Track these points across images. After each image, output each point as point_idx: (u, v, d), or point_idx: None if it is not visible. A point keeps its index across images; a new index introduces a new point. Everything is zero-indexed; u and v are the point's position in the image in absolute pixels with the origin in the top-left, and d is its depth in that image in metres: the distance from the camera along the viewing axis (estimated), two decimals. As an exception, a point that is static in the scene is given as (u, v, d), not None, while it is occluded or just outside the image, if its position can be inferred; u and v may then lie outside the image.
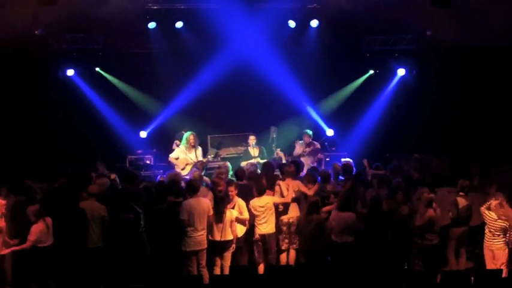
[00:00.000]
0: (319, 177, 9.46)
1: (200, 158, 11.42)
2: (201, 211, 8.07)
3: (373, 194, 8.77)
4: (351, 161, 11.38)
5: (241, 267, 8.22)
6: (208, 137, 12.96)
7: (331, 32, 12.99)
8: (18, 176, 9.87)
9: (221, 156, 12.35)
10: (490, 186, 8.77)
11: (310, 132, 12.42)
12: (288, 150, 12.62)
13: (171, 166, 11.50)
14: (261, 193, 8.61)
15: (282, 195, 8.85)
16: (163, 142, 12.75)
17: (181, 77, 13.14)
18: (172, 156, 11.46)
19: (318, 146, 12.35)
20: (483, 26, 11.63)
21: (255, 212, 8.54)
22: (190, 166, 11.18)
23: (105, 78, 13.36)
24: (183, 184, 9.08)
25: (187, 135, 11.48)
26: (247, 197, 8.66)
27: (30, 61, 12.39)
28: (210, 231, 8.19)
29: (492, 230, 8.12)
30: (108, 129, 13.07)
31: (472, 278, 7.36)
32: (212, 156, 11.99)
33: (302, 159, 11.78)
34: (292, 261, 8.70)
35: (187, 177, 10.30)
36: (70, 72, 12.93)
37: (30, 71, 12.47)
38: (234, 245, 8.33)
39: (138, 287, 7.41)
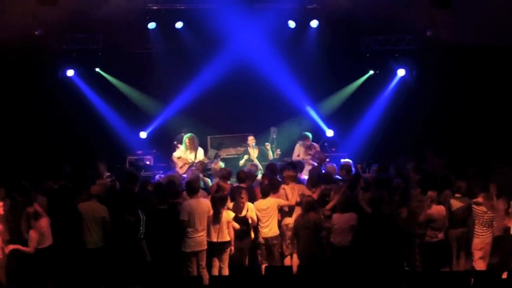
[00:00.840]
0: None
1: (200, 158, 11.43)
2: (201, 212, 8.06)
3: (374, 195, 8.76)
4: (351, 161, 11.38)
5: (242, 268, 8.21)
6: (208, 137, 12.96)
7: (331, 32, 12.98)
8: (17, 177, 9.86)
9: (221, 157, 12.34)
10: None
11: (310, 135, 12.37)
12: (288, 150, 12.62)
13: (171, 167, 11.52)
14: (265, 195, 8.60)
15: (287, 199, 8.81)
16: (163, 143, 12.75)
17: (181, 77, 13.13)
18: (175, 155, 11.55)
19: (317, 148, 12.29)
20: (483, 26, 11.63)
21: (258, 214, 8.50)
22: (188, 166, 11.20)
23: (105, 78, 13.35)
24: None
25: (185, 138, 11.52)
26: (251, 199, 8.65)
27: (30, 61, 12.41)
28: (207, 232, 8.18)
29: (482, 223, 8.32)
30: (108, 130, 13.06)
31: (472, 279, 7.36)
32: (212, 157, 11.97)
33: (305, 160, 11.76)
34: (295, 266, 8.58)
35: (185, 175, 10.32)
36: (70, 72, 12.92)
37: (30, 71, 12.48)
38: (232, 247, 8.30)
39: (136, 287, 7.41)
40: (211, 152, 12.45)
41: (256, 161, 11.62)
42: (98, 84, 13.22)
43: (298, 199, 8.76)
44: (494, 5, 10.88)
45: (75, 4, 11.05)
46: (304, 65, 13.17)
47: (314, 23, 12.74)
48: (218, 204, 8.21)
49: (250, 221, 8.37)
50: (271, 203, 8.56)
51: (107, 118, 13.18)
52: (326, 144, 12.74)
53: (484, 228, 8.40)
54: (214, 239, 8.17)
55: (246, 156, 11.83)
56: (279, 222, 8.76)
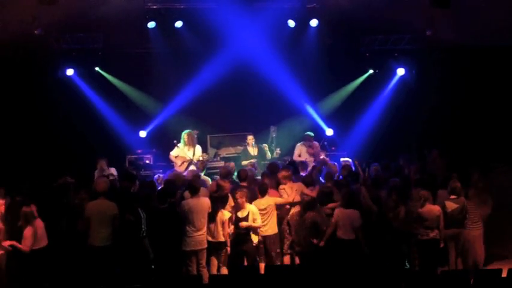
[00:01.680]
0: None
1: (199, 155, 11.42)
2: (201, 210, 8.08)
3: (373, 194, 8.78)
4: (350, 160, 11.39)
5: (241, 267, 8.22)
6: (208, 136, 12.96)
7: (330, 32, 12.99)
8: (16, 176, 9.89)
9: (221, 156, 12.36)
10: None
11: (312, 134, 12.38)
12: (288, 150, 12.63)
13: (170, 166, 11.51)
14: (263, 194, 8.60)
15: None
16: (163, 142, 12.74)
17: (180, 77, 13.13)
18: (172, 154, 11.53)
19: (318, 147, 12.28)
20: (482, 26, 11.63)
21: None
22: (187, 163, 11.20)
23: (105, 77, 13.35)
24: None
25: (183, 134, 11.51)
26: (251, 199, 8.64)
27: (30, 61, 12.41)
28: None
29: (473, 219, 8.55)
30: (107, 129, 13.06)
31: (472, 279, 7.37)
32: (211, 154, 11.95)
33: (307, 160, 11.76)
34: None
35: (185, 173, 10.33)
36: (70, 71, 12.92)
37: (30, 70, 12.48)
38: (228, 248, 8.29)
39: (137, 287, 7.41)
40: (211, 151, 12.47)
41: (255, 161, 11.62)
42: (97, 83, 13.22)
43: (298, 197, 8.77)
44: (494, 5, 10.88)
45: (75, 4, 11.04)
46: (304, 64, 13.18)
47: (314, 23, 12.73)
48: (216, 203, 8.23)
49: (252, 224, 8.30)
50: (269, 202, 8.58)
51: (107, 117, 13.18)
52: (326, 143, 12.76)
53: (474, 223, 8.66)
54: (209, 239, 8.19)
55: (252, 153, 11.83)
56: (280, 221, 8.77)
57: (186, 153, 11.41)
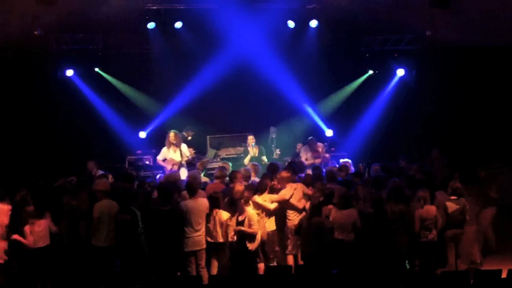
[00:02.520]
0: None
1: (187, 155, 11.39)
2: (199, 211, 8.07)
3: (375, 194, 8.76)
4: (350, 161, 11.39)
5: (241, 268, 8.21)
6: (208, 137, 12.96)
7: (330, 32, 12.97)
8: (16, 177, 9.88)
9: (220, 157, 12.35)
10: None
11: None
12: (288, 150, 12.63)
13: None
14: (262, 191, 8.59)
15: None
16: (163, 142, 12.68)
17: (180, 77, 13.14)
18: (159, 158, 11.42)
19: (323, 148, 12.22)
20: (482, 26, 11.62)
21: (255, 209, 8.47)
22: (177, 166, 11.16)
23: (105, 78, 13.36)
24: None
25: (170, 133, 11.39)
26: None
27: (30, 61, 12.40)
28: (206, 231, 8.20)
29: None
30: (107, 130, 13.07)
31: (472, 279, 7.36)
32: (194, 154, 11.89)
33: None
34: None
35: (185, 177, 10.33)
36: (69, 72, 12.93)
37: (30, 71, 12.48)
38: (227, 250, 8.24)
39: (136, 287, 7.40)
40: (211, 152, 12.46)
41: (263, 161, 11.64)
42: (97, 84, 13.23)
43: (303, 200, 8.74)
44: (494, 5, 10.87)
45: (74, 4, 11.03)
46: (304, 64, 13.19)
47: (313, 23, 12.72)
48: (211, 204, 8.23)
49: (247, 230, 8.21)
50: (265, 199, 8.58)
51: (107, 118, 13.20)
52: (326, 144, 12.74)
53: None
54: (209, 239, 8.18)
55: (249, 155, 11.82)
56: (282, 223, 8.77)
57: (172, 155, 11.32)
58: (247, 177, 9.36)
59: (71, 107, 12.85)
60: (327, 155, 12.10)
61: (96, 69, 13.28)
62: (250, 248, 8.14)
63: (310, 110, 13.92)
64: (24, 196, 8.28)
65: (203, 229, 8.10)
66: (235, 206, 8.27)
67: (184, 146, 11.53)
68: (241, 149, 12.35)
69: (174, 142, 11.30)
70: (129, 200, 8.08)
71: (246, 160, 11.64)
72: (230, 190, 8.62)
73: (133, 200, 8.18)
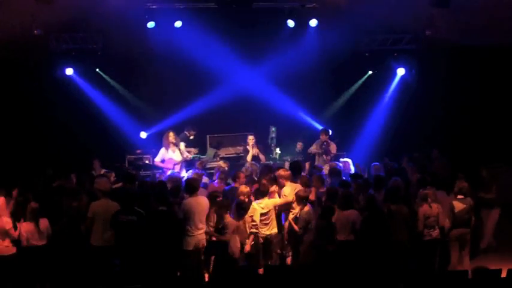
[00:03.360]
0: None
1: (185, 154, 11.39)
2: (201, 210, 8.09)
3: (369, 194, 8.79)
4: (350, 161, 11.39)
5: (241, 268, 8.21)
6: (208, 136, 12.96)
7: (330, 32, 12.96)
8: (16, 176, 9.88)
9: (220, 156, 12.35)
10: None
11: (328, 130, 12.35)
12: (287, 150, 12.63)
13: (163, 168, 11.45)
14: (263, 195, 8.54)
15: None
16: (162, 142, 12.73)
17: (180, 77, 13.11)
18: (157, 160, 11.41)
19: (333, 148, 12.20)
20: (482, 26, 11.62)
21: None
22: (179, 165, 11.16)
23: (104, 78, 13.35)
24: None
25: (166, 133, 11.41)
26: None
27: (29, 61, 12.39)
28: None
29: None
30: (107, 129, 13.05)
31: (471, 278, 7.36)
32: (196, 152, 11.89)
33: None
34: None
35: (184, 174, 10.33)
36: (69, 71, 12.91)
37: (29, 70, 12.47)
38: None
39: (137, 287, 7.39)
40: (211, 151, 12.46)
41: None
42: (97, 83, 13.21)
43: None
44: (494, 4, 10.87)
45: (74, 3, 11.03)
46: (303, 64, 13.17)
47: (313, 22, 12.72)
48: (211, 203, 8.27)
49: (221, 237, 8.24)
50: (268, 205, 8.52)
51: (106, 117, 13.18)
52: (324, 144, 12.71)
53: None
54: (213, 238, 8.19)
55: (250, 153, 11.82)
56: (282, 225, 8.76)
57: (172, 155, 11.32)
58: (250, 177, 9.38)
59: (71, 106, 12.82)
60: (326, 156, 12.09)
61: (97, 70, 13.25)
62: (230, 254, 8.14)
63: (309, 110, 13.91)
64: (24, 192, 8.31)
65: (204, 228, 8.10)
66: (243, 210, 8.27)
67: (182, 145, 11.54)
68: (240, 148, 12.35)
69: (174, 141, 11.29)
70: (133, 201, 8.07)
71: (249, 157, 11.66)
72: (233, 191, 8.63)
73: (135, 201, 8.16)
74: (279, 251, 8.69)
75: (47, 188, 9.31)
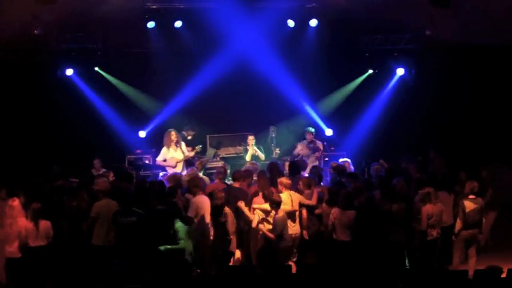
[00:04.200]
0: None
1: (186, 153, 11.40)
2: (206, 209, 8.14)
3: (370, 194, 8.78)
4: (349, 160, 11.38)
5: (241, 267, 8.22)
6: (207, 136, 12.95)
7: (330, 32, 12.96)
8: (17, 176, 9.87)
9: (220, 156, 12.35)
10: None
11: (312, 130, 12.30)
12: (288, 150, 12.62)
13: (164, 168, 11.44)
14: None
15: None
16: (163, 142, 12.72)
17: (180, 76, 13.12)
18: (159, 159, 11.41)
19: (320, 145, 12.23)
20: (482, 26, 11.62)
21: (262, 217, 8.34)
22: (181, 163, 11.17)
23: (104, 77, 13.34)
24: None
25: (167, 132, 11.43)
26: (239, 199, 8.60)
27: (29, 60, 12.39)
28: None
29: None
30: (107, 129, 13.06)
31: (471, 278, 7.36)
32: (199, 150, 11.89)
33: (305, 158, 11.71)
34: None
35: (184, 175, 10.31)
36: (69, 71, 12.91)
37: (29, 70, 12.48)
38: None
39: (137, 287, 7.39)
40: (211, 151, 12.45)
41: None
42: (97, 83, 13.22)
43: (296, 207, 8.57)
44: (494, 4, 10.88)
45: (74, 3, 11.04)
46: (303, 64, 13.17)
47: (313, 22, 12.72)
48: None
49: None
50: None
51: (106, 117, 13.19)
52: (325, 143, 12.73)
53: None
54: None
55: (250, 152, 11.81)
56: None
57: (174, 154, 11.33)
58: (249, 176, 9.36)
59: (71, 106, 12.83)
60: (318, 154, 12.05)
61: (96, 69, 13.25)
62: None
63: (309, 109, 13.90)
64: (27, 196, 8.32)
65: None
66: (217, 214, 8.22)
67: (183, 145, 11.55)
68: (241, 148, 12.34)
69: (176, 141, 11.29)
70: (131, 201, 8.06)
71: (248, 156, 11.66)
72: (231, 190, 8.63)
73: (133, 201, 8.16)
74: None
75: (50, 187, 9.29)
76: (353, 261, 7.99)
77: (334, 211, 8.28)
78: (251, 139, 11.93)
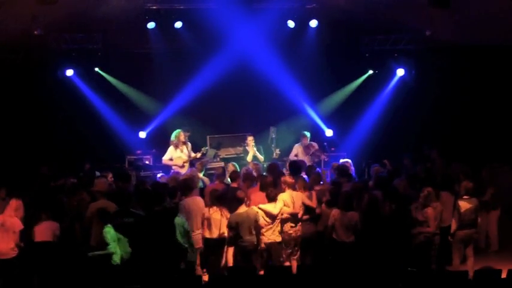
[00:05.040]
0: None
1: (191, 154, 11.43)
2: (197, 210, 8.11)
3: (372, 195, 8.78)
4: (350, 161, 11.37)
5: (241, 268, 8.21)
6: (208, 137, 12.95)
7: (330, 32, 12.96)
8: (17, 176, 9.89)
9: (220, 157, 12.35)
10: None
11: (308, 134, 12.34)
12: (288, 150, 12.62)
13: (169, 167, 11.46)
14: (272, 199, 8.38)
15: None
16: (163, 142, 12.66)
17: (180, 77, 13.12)
18: (165, 158, 11.41)
19: (316, 147, 12.26)
20: (482, 26, 11.62)
21: (264, 218, 8.31)
22: (188, 164, 11.19)
23: (105, 78, 13.35)
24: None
25: (177, 132, 11.44)
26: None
27: (30, 61, 12.42)
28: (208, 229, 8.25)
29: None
30: (107, 130, 13.07)
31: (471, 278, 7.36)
32: (204, 152, 11.91)
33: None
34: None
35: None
36: (69, 72, 12.92)
37: (30, 71, 12.50)
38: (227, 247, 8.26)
39: (137, 287, 7.39)
40: (211, 152, 12.45)
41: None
42: (97, 83, 13.23)
43: (301, 211, 8.60)
44: (494, 4, 10.88)
45: (74, 4, 11.03)
46: (304, 64, 13.17)
47: (313, 23, 12.72)
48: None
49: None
50: (278, 206, 8.41)
51: (106, 118, 13.20)
52: (325, 144, 12.72)
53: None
54: (207, 236, 8.24)
55: (251, 153, 11.81)
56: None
57: (180, 154, 11.36)
58: (249, 177, 9.34)
59: (71, 106, 12.85)
60: (323, 156, 12.06)
61: (96, 69, 13.25)
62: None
63: (310, 110, 13.91)
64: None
65: (200, 228, 8.16)
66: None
67: (189, 145, 11.59)
68: (240, 148, 12.34)
69: (184, 140, 11.35)
70: (128, 202, 8.04)
71: (249, 157, 11.66)
72: (232, 190, 8.62)
73: (131, 202, 8.14)
74: (282, 258, 8.57)
75: (44, 188, 9.30)
76: (354, 262, 7.98)
77: (335, 212, 8.28)
78: (250, 140, 11.92)
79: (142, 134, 13.22)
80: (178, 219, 7.81)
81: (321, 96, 14.04)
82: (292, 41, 13.14)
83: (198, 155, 11.49)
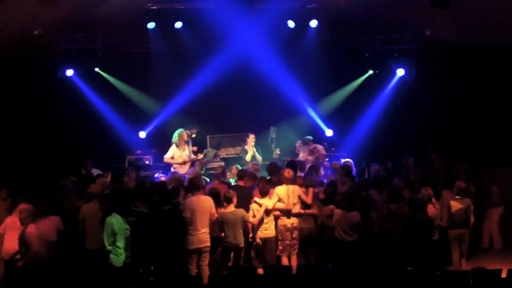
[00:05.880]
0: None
1: (192, 156, 11.46)
2: (203, 209, 8.09)
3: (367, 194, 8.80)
4: (351, 161, 11.37)
5: (241, 268, 8.22)
6: (208, 137, 12.95)
7: (330, 32, 12.97)
8: (17, 177, 9.88)
9: (220, 156, 12.34)
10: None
11: (311, 138, 12.36)
12: (288, 150, 12.62)
13: (169, 167, 11.47)
14: (264, 194, 8.53)
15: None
16: (163, 142, 12.69)
17: (180, 77, 13.13)
18: (167, 156, 11.42)
19: (321, 151, 12.20)
20: (482, 26, 11.62)
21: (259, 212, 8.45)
22: (189, 163, 11.20)
23: (105, 78, 13.35)
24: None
25: (180, 132, 11.45)
26: (248, 199, 8.64)
27: (30, 61, 12.40)
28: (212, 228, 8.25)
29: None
30: (107, 129, 13.06)
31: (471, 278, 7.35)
32: (206, 152, 11.92)
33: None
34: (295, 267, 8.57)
35: (187, 175, 10.31)
36: (69, 72, 12.92)
37: (30, 71, 12.48)
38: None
39: (136, 287, 7.38)
40: (211, 152, 12.45)
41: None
42: (97, 83, 13.22)
43: (296, 202, 8.67)
44: (494, 4, 10.87)
45: (74, 3, 11.05)
46: (304, 64, 13.17)
47: (313, 23, 12.73)
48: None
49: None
50: (272, 203, 8.53)
51: (106, 118, 13.19)
52: (326, 144, 12.73)
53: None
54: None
55: (250, 153, 11.81)
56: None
57: (182, 153, 11.38)
58: (254, 176, 9.37)
59: (71, 106, 12.83)
60: (326, 159, 12.08)
61: (96, 69, 13.25)
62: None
63: (310, 110, 13.91)
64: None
65: (207, 226, 8.11)
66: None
67: (190, 146, 11.62)
68: (240, 148, 12.34)
69: (186, 140, 11.37)
70: (127, 202, 8.03)
71: (248, 157, 11.66)
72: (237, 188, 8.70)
73: (131, 201, 8.12)
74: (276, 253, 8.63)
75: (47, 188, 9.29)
76: (356, 261, 7.99)
77: (337, 212, 8.33)
78: (252, 138, 11.93)
79: (142, 134, 13.22)
80: (113, 219, 7.62)
81: (321, 96, 14.06)
82: (293, 41, 13.16)
83: (200, 156, 11.50)
